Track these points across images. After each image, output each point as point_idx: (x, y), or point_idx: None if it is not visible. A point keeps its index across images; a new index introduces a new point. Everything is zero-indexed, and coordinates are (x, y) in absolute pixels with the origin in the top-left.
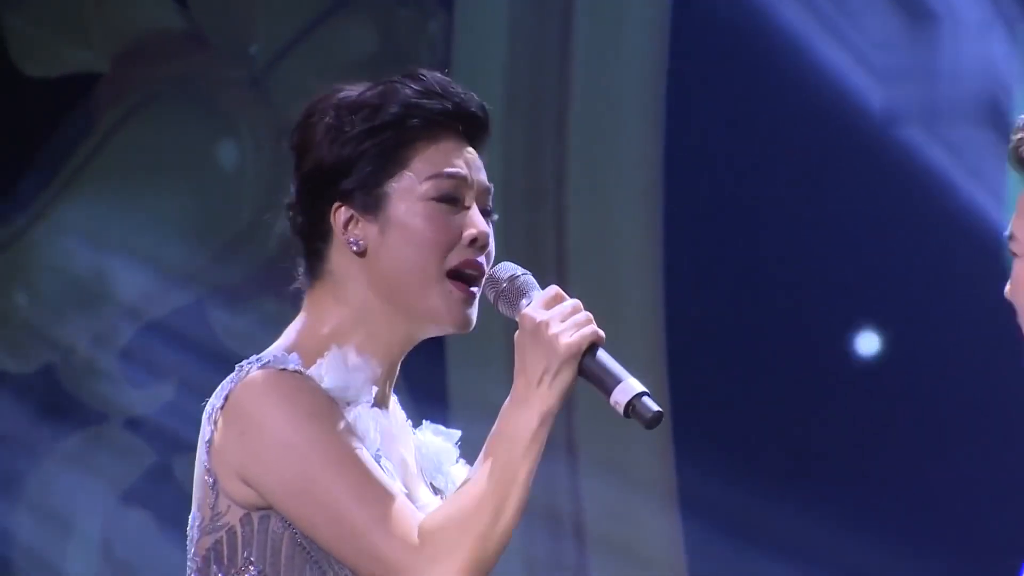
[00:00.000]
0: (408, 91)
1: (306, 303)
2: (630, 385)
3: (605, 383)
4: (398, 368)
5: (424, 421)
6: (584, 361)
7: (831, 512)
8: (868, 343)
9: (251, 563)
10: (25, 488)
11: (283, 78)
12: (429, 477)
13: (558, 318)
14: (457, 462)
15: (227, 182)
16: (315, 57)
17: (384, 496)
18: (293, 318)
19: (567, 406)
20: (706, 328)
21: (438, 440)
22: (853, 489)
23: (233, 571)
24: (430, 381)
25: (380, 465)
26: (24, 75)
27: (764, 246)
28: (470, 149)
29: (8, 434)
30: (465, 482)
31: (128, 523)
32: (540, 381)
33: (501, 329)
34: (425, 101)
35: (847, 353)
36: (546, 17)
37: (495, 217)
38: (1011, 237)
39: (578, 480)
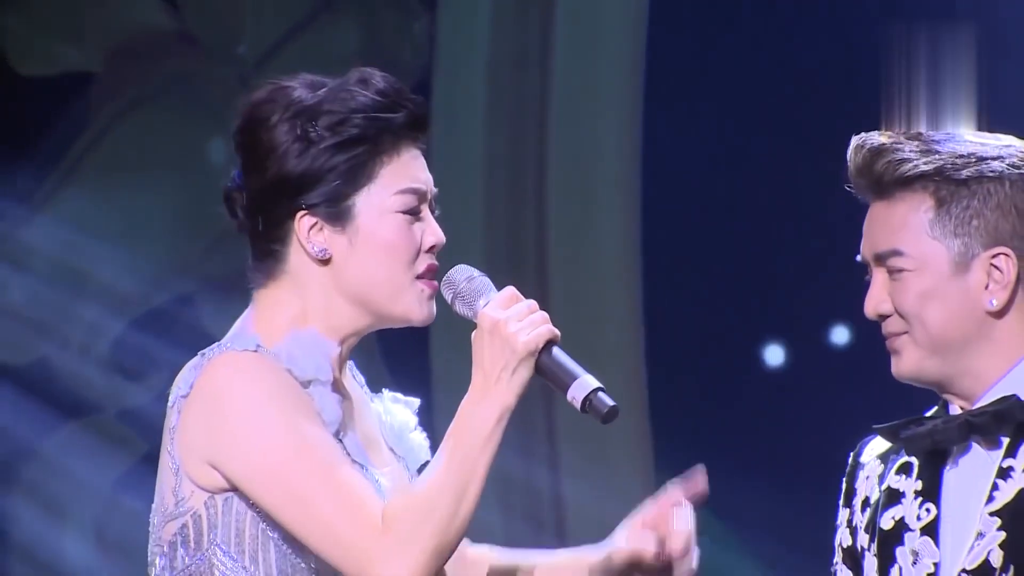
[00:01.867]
0: (366, 99)
1: (258, 298)
2: (586, 381)
3: (562, 380)
4: (350, 352)
5: (383, 390)
6: (541, 358)
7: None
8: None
9: (217, 545)
10: (22, 475)
11: (271, 77)
12: (391, 444)
13: (515, 317)
14: (415, 429)
15: (217, 178)
16: (302, 57)
17: (348, 481)
18: None
19: (547, 406)
20: (684, 318)
21: (398, 408)
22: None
23: (199, 554)
24: (412, 362)
25: (340, 441)
26: (19, 74)
27: (739, 239)
28: (421, 152)
29: (5, 424)
30: (427, 472)
31: (120, 509)
32: (499, 378)
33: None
34: (387, 114)
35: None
36: (527, 18)
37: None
38: (898, 253)
39: (560, 481)
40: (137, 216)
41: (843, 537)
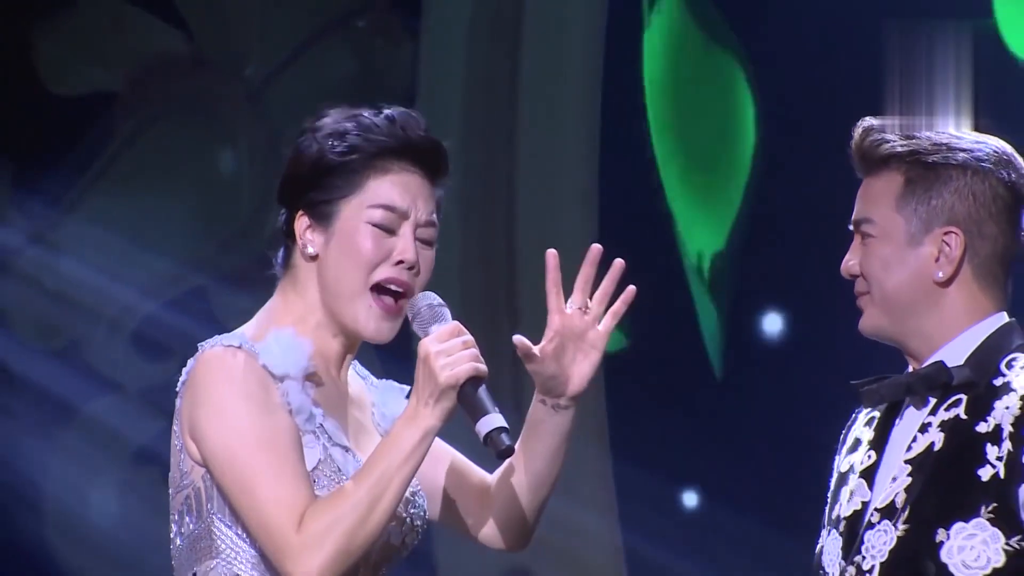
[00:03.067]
0: (369, 121)
1: (278, 288)
2: (492, 420)
3: (475, 413)
4: (353, 349)
5: (379, 381)
6: (463, 391)
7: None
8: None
9: (214, 514)
10: (54, 446)
11: (275, 96)
12: (382, 431)
13: (445, 353)
14: None
15: (226, 185)
16: (302, 78)
17: (290, 477)
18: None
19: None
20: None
21: (391, 396)
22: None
23: (201, 522)
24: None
25: (322, 425)
26: (52, 93)
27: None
28: (423, 183)
29: (41, 401)
30: (350, 480)
31: (140, 477)
32: (425, 403)
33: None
34: (382, 137)
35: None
36: (498, 46)
37: (433, 248)
38: (868, 221)
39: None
40: (156, 217)
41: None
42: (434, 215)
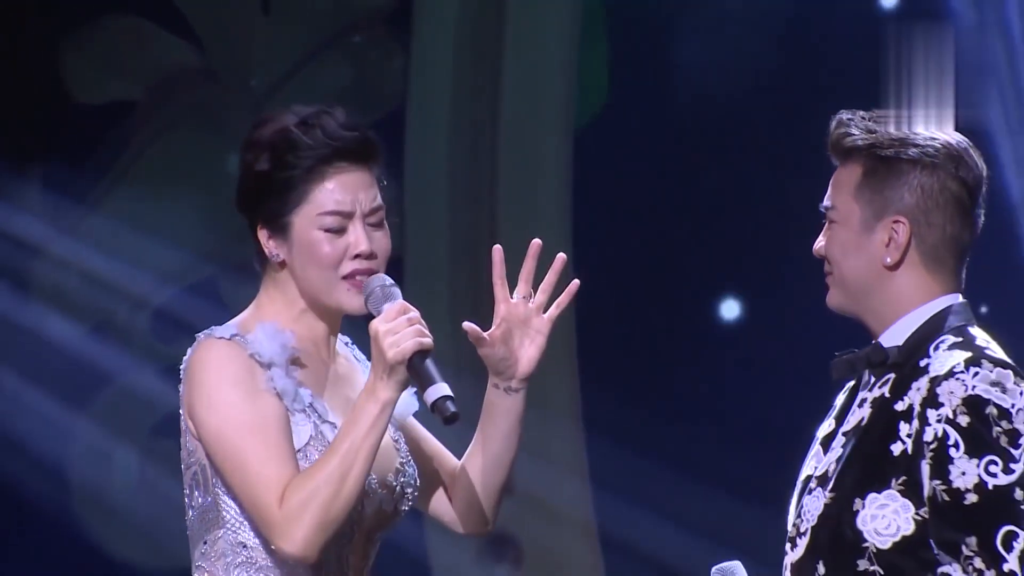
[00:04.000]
0: (300, 140)
1: (262, 284)
2: (438, 389)
3: (422, 384)
4: (336, 330)
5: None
6: (411, 364)
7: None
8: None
9: (218, 488)
10: (81, 420)
11: (278, 105)
12: None
13: (392, 331)
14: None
15: (233, 185)
16: (303, 88)
17: (274, 459)
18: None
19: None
20: (610, 289)
21: None
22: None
23: (208, 496)
24: None
25: (312, 405)
26: (77, 101)
27: (647, 229)
28: (360, 175)
29: (68, 379)
30: (321, 456)
31: (158, 449)
32: (380, 378)
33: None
34: (313, 150)
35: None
36: (482, 57)
37: (384, 226)
38: (832, 207)
39: None
40: (171, 214)
41: None
42: (377, 199)
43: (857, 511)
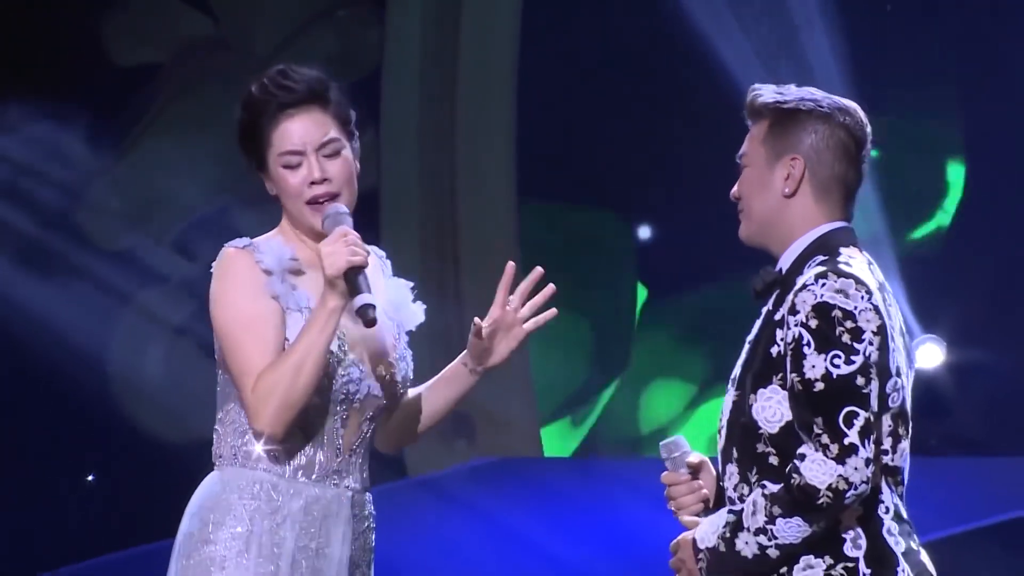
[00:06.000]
0: (256, 92)
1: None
2: (363, 298)
3: (352, 294)
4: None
5: (394, 278)
6: (347, 277)
7: None
8: None
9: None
10: (116, 326)
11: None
12: (387, 311)
13: (330, 252)
14: (414, 302)
15: None
16: (298, 54)
17: (259, 352)
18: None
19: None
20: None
21: (398, 285)
22: None
23: (226, 374)
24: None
25: (308, 307)
26: (116, 64)
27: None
28: (310, 116)
29: (102, 292)
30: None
31: (180, 347)
32: (327, 289)
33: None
34: (264, 101)
35: None
36: (444, 30)
37: (341, 153)
38: (744, 154)
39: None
40: (191, 157)
41: None
42: (329, 134)
43: (752, 404)
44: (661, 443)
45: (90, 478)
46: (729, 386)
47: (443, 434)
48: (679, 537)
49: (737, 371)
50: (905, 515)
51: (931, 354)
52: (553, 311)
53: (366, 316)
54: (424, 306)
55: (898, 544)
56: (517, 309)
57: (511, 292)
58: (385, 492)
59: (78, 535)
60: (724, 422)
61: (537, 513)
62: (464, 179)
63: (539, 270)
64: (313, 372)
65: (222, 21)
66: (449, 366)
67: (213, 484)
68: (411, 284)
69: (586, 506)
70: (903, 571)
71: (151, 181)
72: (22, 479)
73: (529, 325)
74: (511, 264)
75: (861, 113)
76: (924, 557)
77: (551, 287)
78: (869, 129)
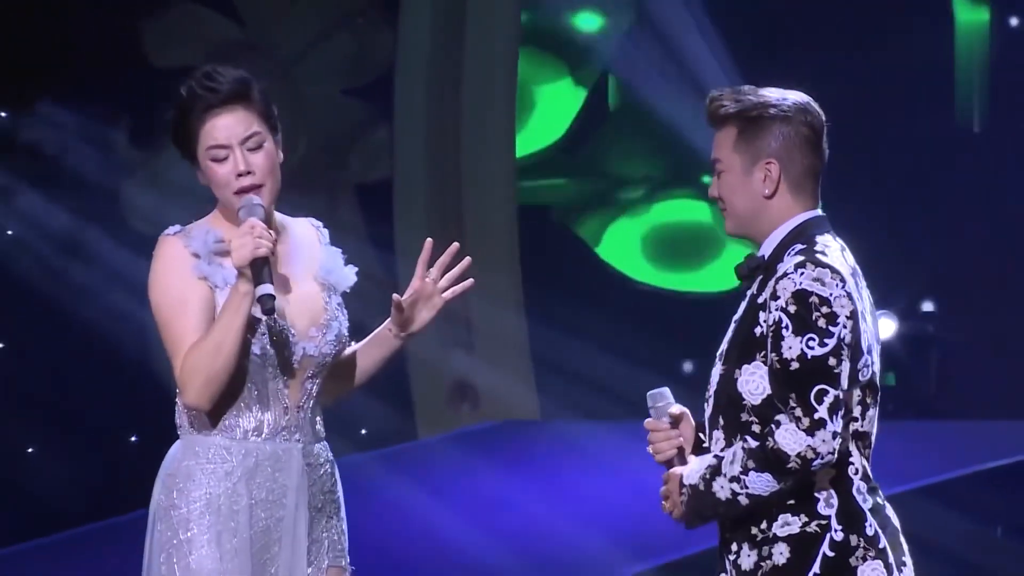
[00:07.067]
0: (186, 93)
1: None
2: (263, 288)
3: (257, 282)
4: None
5: (331, 247)
6: (253, 266)
7: None
8: None
9: None
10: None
11: (300, 71)
12: (319, 276)
13: (239, 246)
14: (345, 266)
15: None
16: (318, 57)
17: (189, 332)
18: (308, 209)
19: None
20: (552, 256)
21: (329, 252)
22: None
23: None
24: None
25: (237, 286)
26: (154, 66)
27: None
28: (233, 114)
29: (143, 258)
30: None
31: None
32: (238, 276)
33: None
34: (191, 102)
35: None
36: (451, 35)
37: (263, 146)
38: (718, 160)
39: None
40: None
41: None
42: (251, 128)
43: (737, 378)
44: (648, 393)
45: (133, 439)
46: (717, 360)
47: (450, 399)
48: (671, 470)
49: (724, 346)
50: (871, 475)
51: (884, 327)
52: (470, 281)
53: (264, 305)
54: (356, 268)
55: (866, 501)
56: (436, 280)
57: (430, 266)
58: (397, 452)
59: (121, 490)
60: (711, 392)
61: (539, 473)
62: (468, 171)
63: (455, 245)
64: (232, 349)
65: (248, 26)
66: (377, 330)
67: (175, 452)
68: (340, 250)
69: (582, 465)
70: (870, 525)
71: (185, 171)
72: (79, 436)
73: (447, 295)
74: (429, 240)
75: (814, 103)
76: (889, 511)
77: (467, 260)
78: (823, 116)
